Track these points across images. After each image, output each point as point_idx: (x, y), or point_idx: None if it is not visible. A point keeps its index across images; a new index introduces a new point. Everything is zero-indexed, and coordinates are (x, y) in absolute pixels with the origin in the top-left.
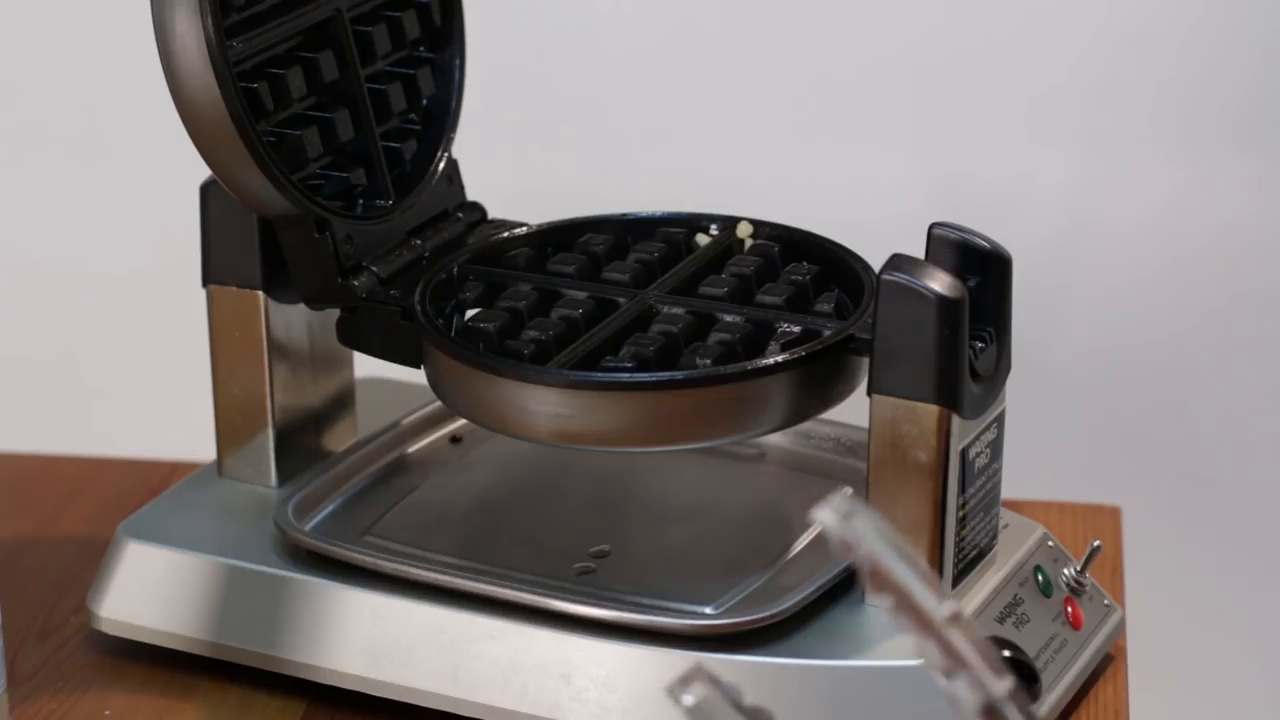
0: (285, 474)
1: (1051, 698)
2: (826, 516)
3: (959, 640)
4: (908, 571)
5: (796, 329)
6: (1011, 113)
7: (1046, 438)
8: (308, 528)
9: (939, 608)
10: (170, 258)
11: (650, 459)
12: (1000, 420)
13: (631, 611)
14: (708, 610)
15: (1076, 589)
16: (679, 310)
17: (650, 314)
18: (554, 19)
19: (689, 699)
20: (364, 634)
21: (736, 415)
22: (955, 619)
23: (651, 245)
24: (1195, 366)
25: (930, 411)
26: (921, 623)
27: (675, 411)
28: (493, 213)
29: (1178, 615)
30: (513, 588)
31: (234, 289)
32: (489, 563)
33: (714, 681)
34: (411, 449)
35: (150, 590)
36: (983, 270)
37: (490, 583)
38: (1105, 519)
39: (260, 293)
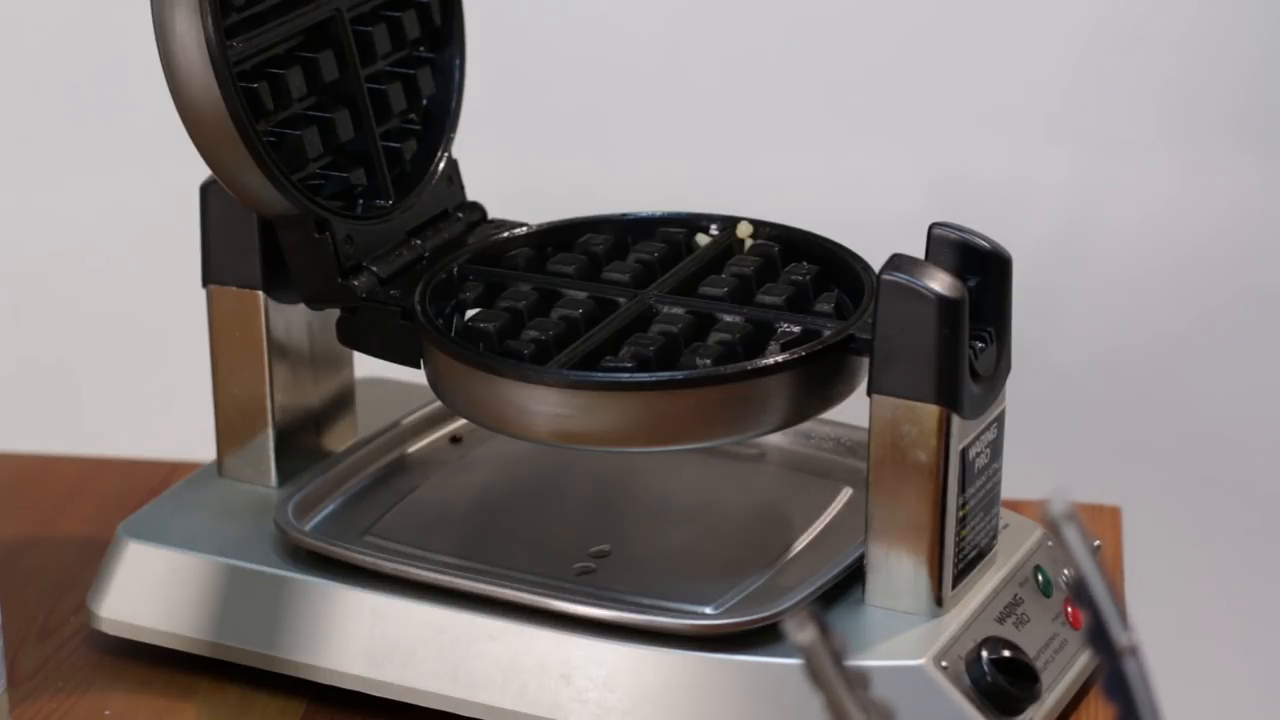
0: (285, 474)
1: (1051, 698)
2: (1054, 509)
3: (1134, 674)
4: (1106, 595)
5: (796, 329)
6: (1011, 113)
7: (1046, 438)
8: (308, 528)
9: (1122, 637)
10: (170, 257)
11: (650, 459)
12: (1000, 420)
13: (631, 611)
14: (708, 610)
15: None
16: (679, 310)
17: (650, 314)
18: (554, 19)
19: (804, 637)
20: (364, 634)
21: (736, 415)
22: (1135, 653)
23: (651, 245)
24: (1195, 366)
25: (930, 411)
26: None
27: (675, 411)
28: (493, 213)
29: (1178, 615)
30: (513, 588)
31: (234, 289)
32: (489, 563)
33: (825, 629)
34: (411, 449)
35: (150, 590)
36: (983, 270)
37: (490, 583)
38: (1105, 519)
39: (260, 293)
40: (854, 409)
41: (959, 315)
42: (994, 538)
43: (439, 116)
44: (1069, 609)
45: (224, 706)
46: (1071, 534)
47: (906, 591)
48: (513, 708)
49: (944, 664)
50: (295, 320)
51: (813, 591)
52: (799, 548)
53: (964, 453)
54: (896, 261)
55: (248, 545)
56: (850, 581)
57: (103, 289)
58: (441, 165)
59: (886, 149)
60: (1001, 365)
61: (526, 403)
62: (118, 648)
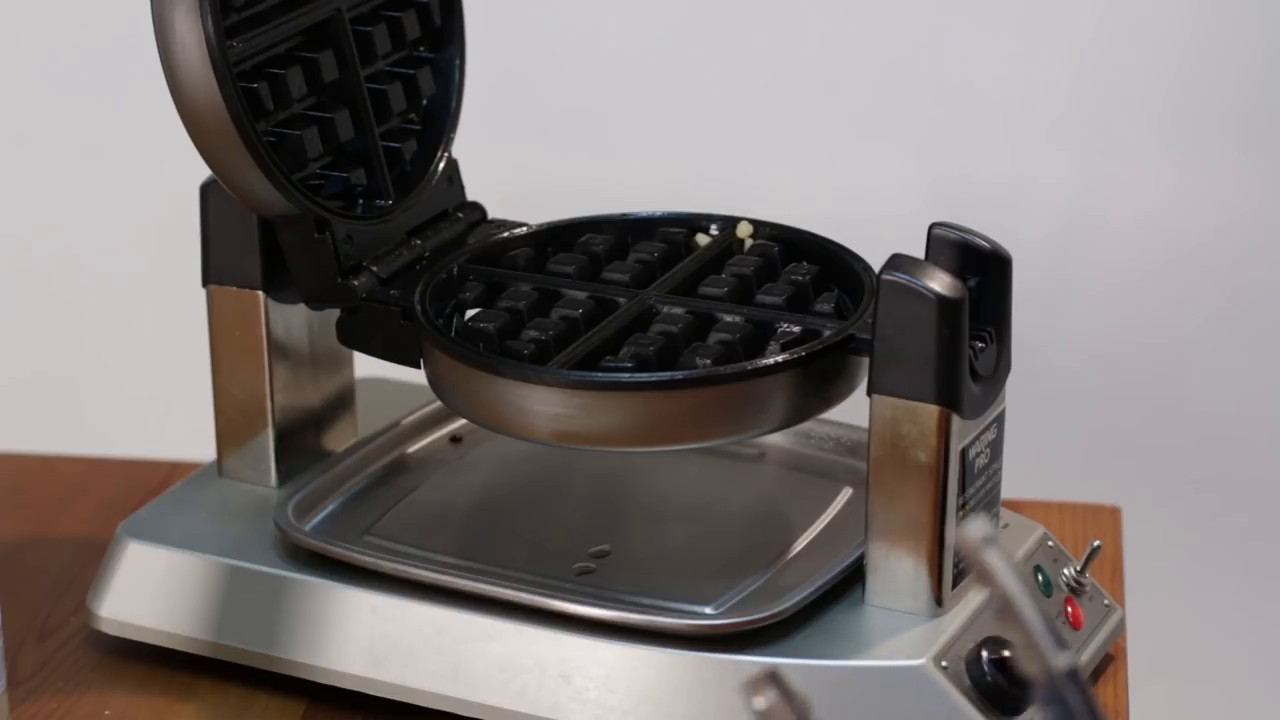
0: (285, 474)
1: None
2: (972, 535)
3: (1073, 694)
4: (1035, 616)
5: (796, 329)
6: (1011, 113)
7: (1046, 438)
8: (308, 528)
9: (1058, 658)
10: (170, 258)
11: (650, 459)
12: (1000, 420)
13: (631, 611)
14: (708, 610)
15: (1076, 589)
16: (679, 310)
17: (650, 314)
18: (554, 19)
19: (760, 703)
20: (364, 634)
21: (736, 415)
22: (1072, 675)
23: (651, 245)
24: (1195, 366)
25: (930, 411)
26: (1038, 666)
27: (675, 411)
28: (493, 213)
29: (1178, 615)
30: (513, 588)
31: (234, 289)
32: (489, 563)
33: (787, 692)
34: (411, 449)
35: (150, 590)
36: (983, 270)
37: (490, 583)
38: (1105, 519)
39: (260, 293)
40: (854, 409)
41: (959, 315)
42: None
43: (439, 116)
44: (1069, 609)
45: (224, 706)
46: (994, 558)
47: (906, 591)
48: (513, 708)
49: (944, 664)
50: (295, 320)
51: (813, 591)
52: (799, 548)
53: (964, 453)
54: (896, 261)
55: (248, 545)
56: (850, 581)
57: (103, 289)
58: (441, 165)
59: (887, 149)
60: (1001, 365)
61: (526, 403)
62: (118, 648)
